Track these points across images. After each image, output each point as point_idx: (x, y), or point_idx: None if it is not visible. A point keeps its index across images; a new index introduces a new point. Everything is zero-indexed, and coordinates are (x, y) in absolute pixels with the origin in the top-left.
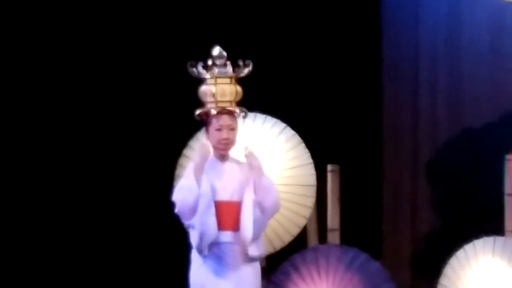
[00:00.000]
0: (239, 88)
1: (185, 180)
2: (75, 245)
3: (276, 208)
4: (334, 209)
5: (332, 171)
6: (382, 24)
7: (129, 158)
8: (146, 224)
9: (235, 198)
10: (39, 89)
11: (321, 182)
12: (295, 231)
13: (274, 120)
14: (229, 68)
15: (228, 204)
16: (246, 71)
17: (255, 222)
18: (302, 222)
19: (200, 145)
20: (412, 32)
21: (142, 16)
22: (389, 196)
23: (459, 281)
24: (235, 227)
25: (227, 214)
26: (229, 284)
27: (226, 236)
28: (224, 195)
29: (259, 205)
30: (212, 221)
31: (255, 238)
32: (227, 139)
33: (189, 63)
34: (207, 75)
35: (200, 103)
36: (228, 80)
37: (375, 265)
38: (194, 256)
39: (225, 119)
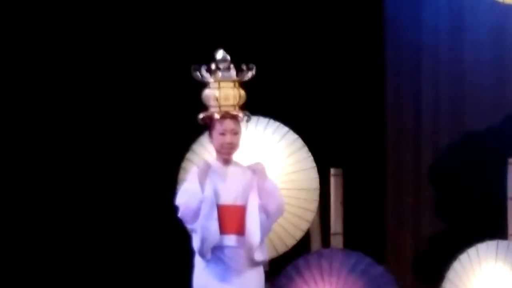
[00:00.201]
0: (242, 92)
1: (189, 184)
2: (79, 248)
3: (280, 212)
4: (337, 213)
5: (335, 175)
6: (384, 28)
7: (133, 162)
8: (150, 228)
9: (238, 202)
10: (46, 95)
11: (324, 186)
12: (298, 235)
13: (276, 124)
14: (233, 72)
15: (232, 208)
16: (249, 75)
17: (261, 226)
18: (305, 226)
19: (201, 163)
20: (415, 36)
21: (146, 20)
22: (392, 200)
23: (462, 285)
24: (239, 231)
25: (231, 218)
26: None
27: (230, 240)
28: (228, 199)
29: (264, 210)
30: (214, 225)
31: (262, 242)
32: (230, 143)
33: (192, 67)
34: (210, 79)
35: (204, 107)
36: (231, 84)
37: (378, 269)
38: (198, 260)
39: (228, 124)
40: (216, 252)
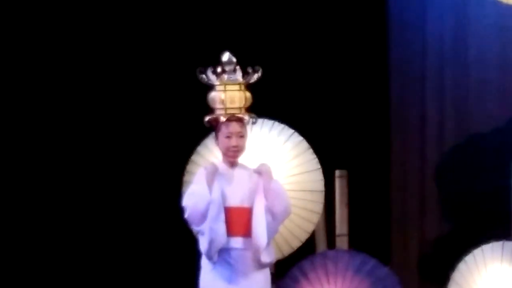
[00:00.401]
0: (248, 95)
1: (196, 186)
2: (84, 250)
3: (286, 213)
4: (342, 215)
5: (340, 176)
6: (388, 30)
7: (138, 164)
8: (155, 230)
9: (245, 204)
10: (54, 98)
11: (329, 187)
12: (304, 236)
13: (281, 126)
14: (239, 75)
15: (238, 210)
16: (255, 77)
17: (267, 228)
18: (310, 227)
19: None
20: (419, 37)
21: (153, 22)
22: (397, 201)
23: (467, 286)
24: (246, 233)
25: (237, 220)
26: None
27: (237, 242)
28: (234, 201)
29: (270, 211)
30: (222, 228)
31: (268, 244)
32: (236, 146)
33: (198, 70)
34: (216, 82)
35: (209, 109)
36: (237, 87)
37: (384, 271)
38: (204, 262)
39: (234, 126)
40: (222, 254)
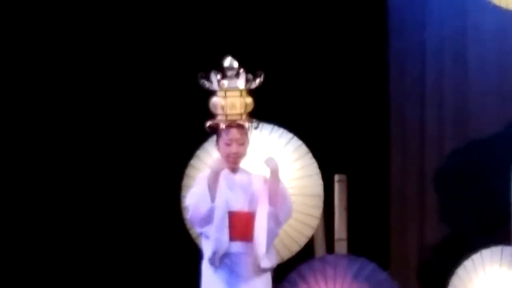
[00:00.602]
0: (249, 100)
1: (198, 188)
2: (83, 252)
3: (289, 217)
4: (341, 219)
5: (339, 181)
6: (388, 33)
7: (137, 168)
8: (155, 233)
9: (246, 209)
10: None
11: (329, 192)
12: (303, 241)
13: (281, 130)
14: (240, 81)
15: (239, 214)
16: (257, 82)
17: (268, 235)
18: (309, 232)
19: (215, 159)
20: (419, 40)
21: (153, 24)
22: (396, 206)
23: None
24: (247, 237)
25: (239, 225)
26: None
27: (238, 246)
28: (235, 206)
29: (273, 216)
30: (225, 236)
31: (268, 251)
32: (236, 153)
33: (199, 75)
34: (216, 88)
35: (211, 115)
36: (238, 93)
37: (383, 275)
38: (205, 266)
39: (234, 133)
40: (223, 258)
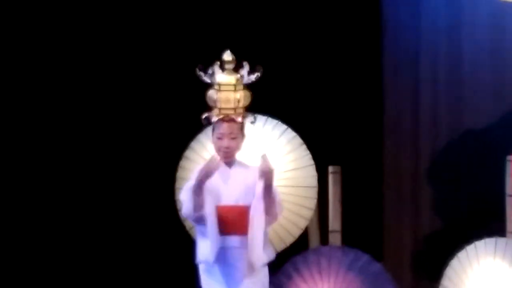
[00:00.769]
0: (244, 95)
1: (186, 194)
2: (77, 249)
3: (276, 220)
4: (335, 211)
5: (333, 172)
6: (382, 26)
7: (130, 161)
8: (149, 226)
9: (241, 202)
10: (45, 92)
11: (322, 183)
12: (297, 232)
13: (275, 121)
14: (234, 75)
15: (234, 208)
16: (253, 78)
17: (263, 231)
18: (303, 223)
19: (210, 158)
20: (413, 35)
21: (147, 16)
22: (390, 198)
23: (460, 283)
24: (243, 231)
25: (234, 219)
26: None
27: (234, 241)
28: (230, 200)
29: (266, 213)
30: (216, 242)
31: (265, 245)
32: (227, 147)
33: (198, 67)
34: (212, 81)
35: (208, 107)
36: (232, 88)
37: (377, 267)
38: (201, 265)
39: (225, 128)
40: (220, 253)
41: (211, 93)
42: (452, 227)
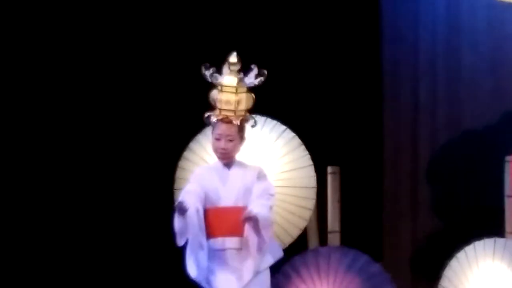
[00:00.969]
0: (246, 97)
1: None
2: (74, 248)
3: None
4: (334, 211)
5: (332, 173)
6: (382, 26)
7: (130, 161)
8: (147, 226)
9: (239, 203)
10: (45, 91)
11: (321, 184)
12: (296, 233)
13: (274, 122)
14: (237, 77)
15: (233, 210)
16: (256, 82)
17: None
18: (302, 224)
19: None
20: (412, 34)
21: (149, 15)
22: (389, 198)
23: (459, 283)
24: (242, 232)
25: (232, 220)
26: None
27: (233, 242)
28: (228, 201)
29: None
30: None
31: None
32: (224, 149)
33: (203, 66)
34: (215, 81)
35: (211, 106)
36: (233, 90)
37: (376, 267)
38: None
39: (223, 129)
40: (220, 255)
41: (213, 93)
42: (451, 228)
